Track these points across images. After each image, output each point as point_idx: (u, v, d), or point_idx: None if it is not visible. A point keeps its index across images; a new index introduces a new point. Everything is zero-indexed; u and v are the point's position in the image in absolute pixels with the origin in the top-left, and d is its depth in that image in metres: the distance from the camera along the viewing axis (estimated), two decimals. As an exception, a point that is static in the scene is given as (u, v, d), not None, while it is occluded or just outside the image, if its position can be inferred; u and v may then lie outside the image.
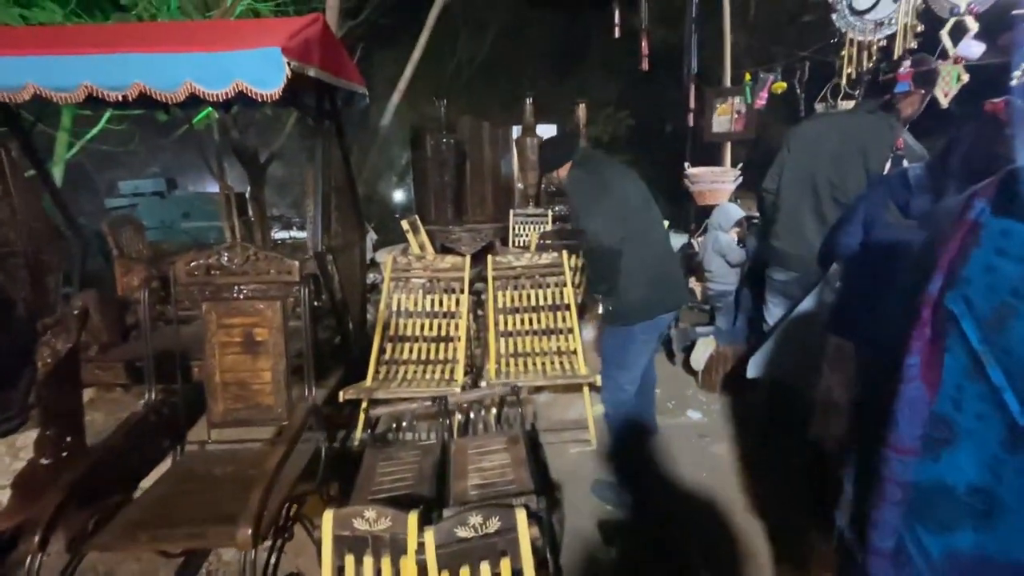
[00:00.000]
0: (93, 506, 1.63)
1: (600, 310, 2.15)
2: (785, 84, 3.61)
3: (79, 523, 1.54)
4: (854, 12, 2.64)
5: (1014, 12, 2.54)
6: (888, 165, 2.01)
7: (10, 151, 2.78)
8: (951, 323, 0.87)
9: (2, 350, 2.99)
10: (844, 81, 2.82)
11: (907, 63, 2.06)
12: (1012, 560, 0.87)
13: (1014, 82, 2.53)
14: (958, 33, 2.68)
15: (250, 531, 1.30)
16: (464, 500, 1.68)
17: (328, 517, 1.39)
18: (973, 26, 2.63)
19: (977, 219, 0.84)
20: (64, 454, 2.00)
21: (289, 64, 2.03)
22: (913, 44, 2.52)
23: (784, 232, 2.37)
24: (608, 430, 2.33)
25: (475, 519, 1.33)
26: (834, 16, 2.93)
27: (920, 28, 2.52)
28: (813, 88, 3.37)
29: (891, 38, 2.61)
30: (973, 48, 2.64)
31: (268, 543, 1.52)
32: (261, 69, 2.04)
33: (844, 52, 2.72)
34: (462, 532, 1.33)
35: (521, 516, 1.34)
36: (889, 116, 2.10)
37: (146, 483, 2.15)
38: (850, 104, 3.14)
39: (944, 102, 2.69)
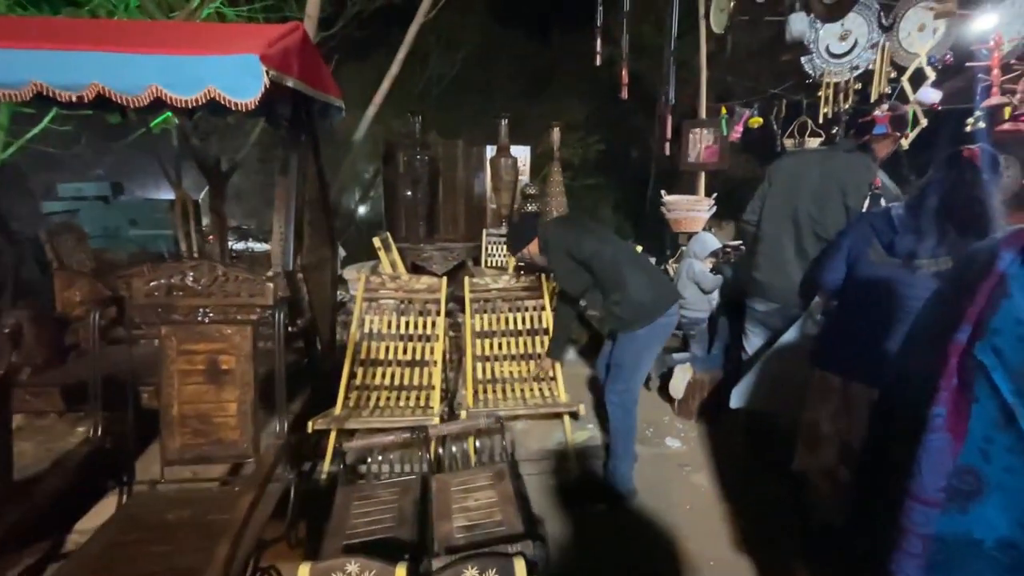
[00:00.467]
0: (15, 562, 1.42)
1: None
2: (761, 119, 3.75)
3: (1, 583, 1.34)
4: (831, 55, 2.78)
5: (967, 64, 2.73)
6: (866, 203, 2.08)
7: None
8: (980, 373, 0.86)
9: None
10: (821, 119, 2.94)
11: (884, 106, 2.16)
12: None
13: (968, 128, 2.71)
14: (917, 81, 2.86)
15: (215, 592, 1.15)
16: (450, 544, 1.57)
17: (304, 572, 1.25)
18: (931, 74, 2.80)
19: (1006, 270, 0.84)
20: (-14, 496, 1.75)
21: (268, 73, 1.91)
22: (888, 89, 2.67)
23: (765, 264, 2.41)
24: (617, 441, 2.39)
25: (470, 571, 1.23)
26: (804, 59, 3.07)
27: (894, 74, 2.67)
28: (786, 125, 3.52)
29: (867, 81, 2.76)
30: (931, 95, 2.82)
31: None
32: (237, 77, 1.91)
33: (821, 92, 2.85)
34: (456, 587, 1.22)
35: (520, 566, 1.25)
36: (866, 155, 2.19)
37: (84, 524, 1.93)
38: (816, 141, 3.29)
39: (904, 143, 2.85)
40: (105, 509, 1.77)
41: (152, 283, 1.66)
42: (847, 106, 2.80)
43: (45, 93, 1.88)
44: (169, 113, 4.23)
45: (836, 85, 2.83)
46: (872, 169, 2.15)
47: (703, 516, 2.28)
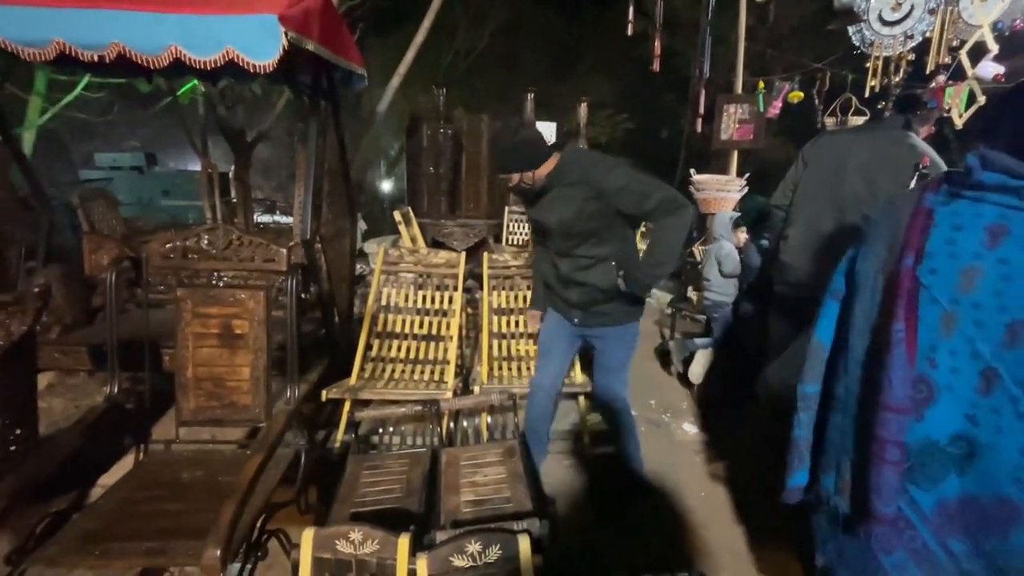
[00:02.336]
0: (42, 509, 1.46)
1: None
2: (802, 94, 3.53)
3: (24, 530, 1.38)
4: (883, 23, 2.56)
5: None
6: (912, 183, 1.93)
7: (-28, 112, 2.55)
8: (923, 291, 1.02)
9: (-47, 327, 2.76)
10: (867, 93, 2.74)
11: (941, 78, 1.99)
12: (991, 493, 0.97)
13: None
14: (976, 56, 2.63)
15: (218, 552, 1.15)
16: (456, 518, 1.55)
17: (308, 537, 1.25)
18: (993, 46, 2.57)
19: (931, 207, 1.04)
20: (12, 448, 1.81)
21: (286, 34, 1.86)
22: (947, 59, 2.46)
23: (796, 246, 2.28)
24: (631, 441, 2.20)
25: (473, 546, 1.21)
26: (852, 29, 2.86)
27: (956, 42, 2.45)
28: (828, 101, 3.31)
29: (921, 52, 2.54)
30: (991, 69, 2.60)
31: (238, 564, 1.37)
32: (255, 37, 1.86)
33: (869, 65, 2.64)
34: (459, 561, 1.20)
35: (524, 544, 1.22)
36: (910, 132, 2.04)
37: (105, 479, 1.99)
38: (860, 120, 3.09)
39: (959, 123, 2.64)
40: (125, 465, 1.82)
41: (168, 244, 1.66)
42: (897, 79, 2.60)
43: (68, 52, 1.87)
44: (196, 81, 4.24)
45: (887, 57, 2.62)
46: (918, 147, 1.99)
47: (717, 504, 2.23)
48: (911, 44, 2.53)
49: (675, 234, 1.81)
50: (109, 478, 1.95)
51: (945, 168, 2.01)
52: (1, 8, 1.85)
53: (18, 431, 1.83)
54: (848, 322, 1.21)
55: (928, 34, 2.50)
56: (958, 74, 2.69)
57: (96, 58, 1.89)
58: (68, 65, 2.49)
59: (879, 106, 2.79)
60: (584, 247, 1.92)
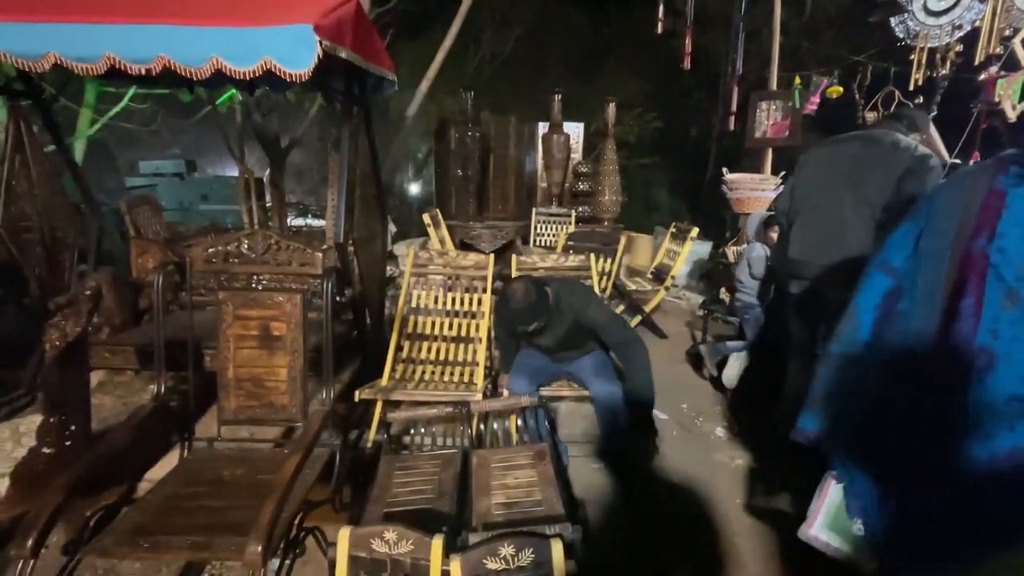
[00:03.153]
0: (95, 503, 1.53)
1: None
2: (842, 89, 3.40)
3: (78, 522, 1.45)
4: (929, 12, 2.44)
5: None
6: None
7: (31, 124, 2.70)
8: (991, 269, 1.12)
9: (14, 327, 2.93)
10: (912, 86, 2.61)
11: (993, 69, 1.89)
12: None
13: None
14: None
15: (259, 548, 1.18)
16: (488, 521, 1.56)
17: (344, 535, 1.28)
18: (1052, 35, 2.43)
19: (1004, 188, 1.11)
20: (67, 443, 1.91)
21: (321, 43, 1.91)
22: (999, 49, 2.32)
23: (800, 247, 2.30)
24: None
25: (506, 549, 1.21)
26: (895, 20, 2.74)
27: (1009, 32, 2.31)
28: (870, 95, 3.18)
29: (970, 42, 2.41)
30: (1049, 59, 2.45)
31: (277, 560, 1.41)
32: (291, 47, 1.92)
33: (913, 57, 2.52)
34: (492, 564, 1.20)
35: (557, 549, 1.22)
36: (896, 133, 2.07)
37: (152, 474, 2.08)
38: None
39: (1012, 115, 2.50)
40: (171, 461, 1.89)
41: (210, 249, 1.72)
42: (944, 71, 2.47)
43: (117, 66, 1.96)
44: (234, 90, 4.39)
45: (932, 49, 2.49)
46: (901, 142, 2.02)
47: (753, 511, 2.16)
48: (959, 34, 2.40)
49: (642, 374, 2.38)
50: (156, 473, 2.03)
51: (946, 156, 1.97)
52: (57, 26, 1.96)
53: (73, 427, 1.93)
54: (907, 296, 1.30)
55: (978, 23, 2.37)
56: (1011, 65, 2.54)
57: (143, 71, 1.97)
58: (116, 78, 2.61)
59: (918, 100, 2.66)
60: (572, 352, 2.52)
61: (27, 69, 2.03)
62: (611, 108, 5.27)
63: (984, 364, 1.12)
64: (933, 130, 2.34)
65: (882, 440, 1.35)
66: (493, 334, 2.77)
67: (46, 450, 1.81)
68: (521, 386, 2.32)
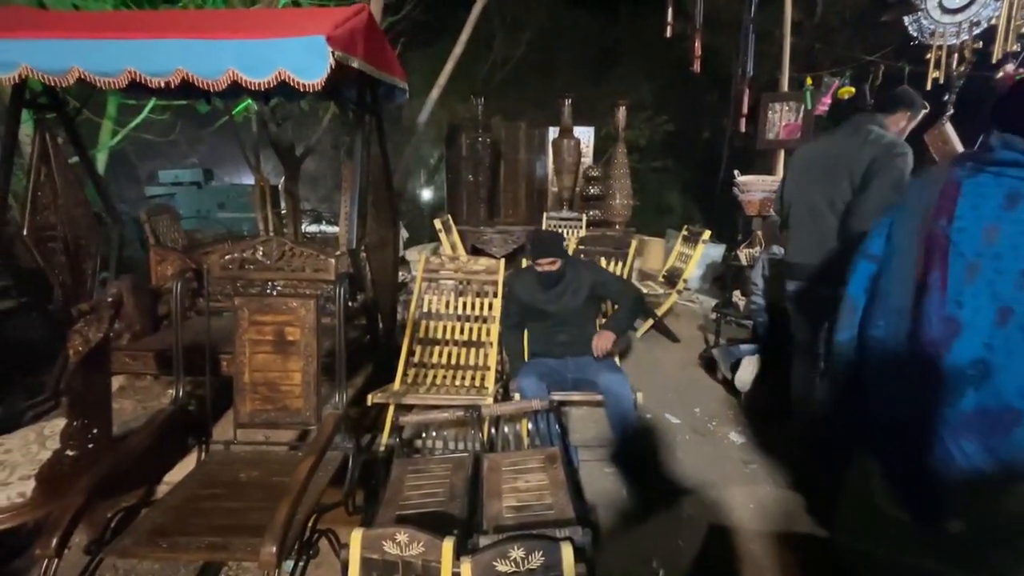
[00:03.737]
0: (115, 504, 1.57)
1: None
2: (853, 89, 3.36)
3: (100, 523, 1.49)
4: (944, 11, 2.40)
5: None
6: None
7: (56, 137, 2.79)
8: (952, 247, 1.29)
9: (38, 333, 3.02)
10: (929, 86, 2.58)
11: (1010, 67, 1.86)
12: (1000, 404, 1.26)
13: None
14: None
15: (274, 549, 1.21)
16: (499, 524, 1.56)
17: (357, 537, 1.29)
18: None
19: (958, 180, 1.31)
20: (90, 446, 1.95)
21: (333, 54, 1.95)
22: (1016, 47, 2.28)
23: (795, 246, 2.36)
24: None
25: (516, 552, 1.21)
26: (909, 19, 2.70)
27: (1026, 28, 2.27)
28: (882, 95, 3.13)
29: (988, 40, 2.37)
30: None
31: (291, 561, 1.43)
32: (304, 58, 1.96)
33: (929, 56, 2.48)
34: (502, 566, 1.21)
35: (567, 552, 1.22)
36: (868, 125, 2.09)
37: (171, 476, 2.12)
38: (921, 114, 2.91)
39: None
40: (188, 463, 1.93)
41: (227, 257, 1.76)
42: (962, 70, 2.42)
43: (138, 80, 2.03)
44: (249, 100, 4.48)
45: (949, 47, 2.45)
46: (872, 134, 2.04)
47: (767, 517, 2.14)
48: (976, 31, 2.36)
49: (632, 316, 2.63)
50: (174, 475, 2.08)
51: (907, 148, 2.04)
52: (80, 42, 2.03)
53: (95, 430, 1.97)
54: (885, 276, 1.48)
55: (995, 20, 2.33)
56: (1029, 61, 2.50)
57: (163, 84, 2.03)
58: (137, 91, 2.69)
59: (945, 98, 2.61)
60: (577, 331, 2.61)
61: (52, 84, 2.11)
62: (621, 112, 5.27)
63: (952, 332, 1.29)
64: (949, 128, 2.31)
65: (884, 409, 1.50)
66: (501, 328, 2.81)
67: (69, 452, 1.85)
68: (531, 386, 2.33)
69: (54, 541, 1.22)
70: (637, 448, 2.41)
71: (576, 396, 2.51)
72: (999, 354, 1.24)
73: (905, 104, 2.16)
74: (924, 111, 2.20)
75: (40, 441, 1.96)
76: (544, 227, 5.54)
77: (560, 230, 5.48)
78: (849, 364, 1.57)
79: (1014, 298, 1.22)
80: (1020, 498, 1.28)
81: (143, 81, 2.03)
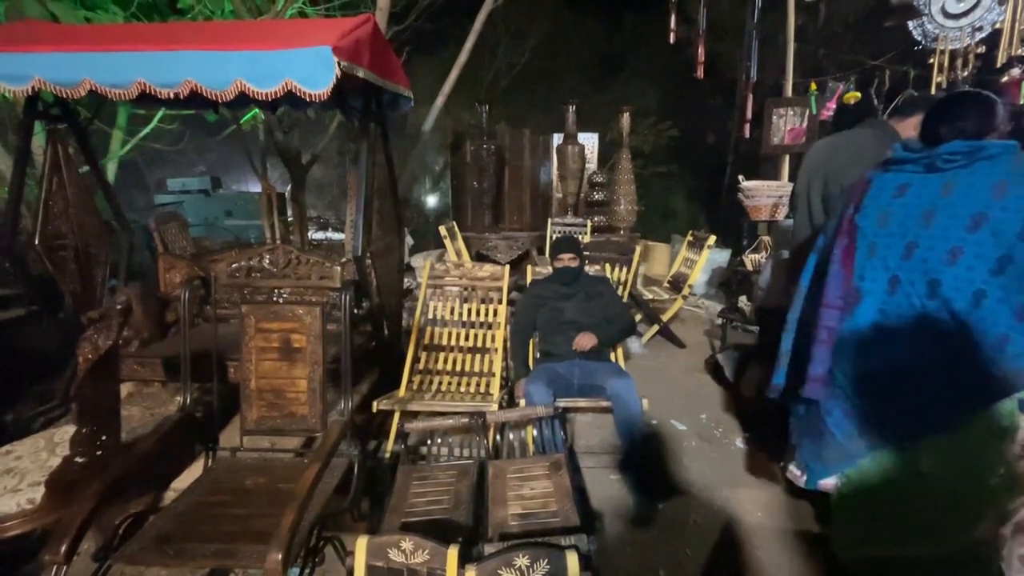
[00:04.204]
0: (123, 510, 1.58)
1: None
2: (859, 94, 3.36)
3: (108, 530, 1.50)
4: (947, 15, 2.40)
5: None
6: None
7: (67, 147, 2.83)
8: (859, 230, 1.56)
9: (48, 341, 3.05)
10: (933, 90, 2.57)
11: (1016, 71, 1.86)
12: (893, 361, 1.49)
13: None
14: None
15: (280, 556, 1.21)
16: (504, 531, 1.56)
17: (362, 545, 1.30)
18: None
19: (870, 177, 1.60)
20: (99, 452, 1.97)
21: (339, 64, 1.97)
22: (1021, 51, 2.27)
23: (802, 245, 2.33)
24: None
25: (521, 560, 1.21)
26: (913, 23, 2.70)
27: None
28: (888, 99, 3.14)
29: (992, 44, 2.36)
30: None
31: (297, 568, 1.43)
32: (311, 68, 1.98)
33: (933, 60, 2.48)
34: (507, 574, 1.21)
35: (572, 560, 1.22)
36: (888, 132, 2.13)
37: (178, 483, 2.13)
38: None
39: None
40: (195, 470, 1.95)
41: (234, 265, 1.78)
42: (966, 74, 2.42)
43: (148, 91, 2.06)
44: (257, 109, 4.53)
45: (953, 51, 2.45)
46: (875, 134, 2.09)
47: (774, 524, 2.12)
48: (980, 36, 2.36)
49: (619, 335, 2.74)
50: (181, 482, 2.10)
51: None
52: (91, 55, 2.07)
53: (104, 437, 1.99)
54: (822, 257, 1.71)
55: (999, 25, 2.32)
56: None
57: (172, 95, 2.07)
58: (147, 102, 2.74)
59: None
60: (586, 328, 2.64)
61: (64, 96, 2.14)
62: (625, 118, 5.28)
63: (854, 300, 1.54)
64: None
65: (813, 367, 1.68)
66: (510, 331, 2.83)
67: (79, 459, 1.87)
68: (539, 393, 2.33)
69: (63, 547, 1.23)
70: (643, 455, 2.39)
71: (582, 402, 2.51)
72: (890, 318, 1.48)
73: (921, 108, 2.16)
74: None
75: (50, 448, 1.98)
76: (549, 233, 5.56)
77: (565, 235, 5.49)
78: (794, 339, 1.80)
79: (900, 268, 1.46)
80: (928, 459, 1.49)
81: (153, 92, 2.06)
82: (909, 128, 2.14)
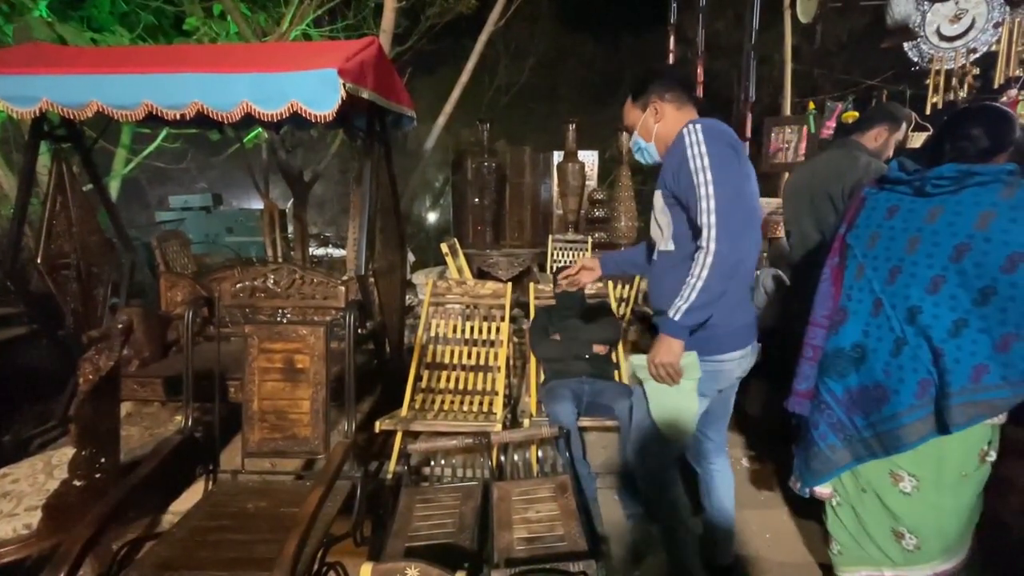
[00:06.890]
0: (122, 535, 1.55)
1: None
2: (857, 113, 3.41)
3: (107, 555, 1.47)
4: (942, 37, 2.45)
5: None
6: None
7: (71, 166, 2.85)
8: (848, 251, 1.57)
9: (48, 360, 3.03)
10: (929, 110, 2.60)
11: (1013, 92, 1.88)
12: (875, 381, 1.50)
13: None
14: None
15: (283, 584, 1.18)
16: (510, 556, 1.53)
17: (366, 572, 1.26)
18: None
19: (865, 195, 1.59)
20: (98, 476, 1.94)
21: (344, 86, 1.99)
22: (1019, 71, 2.31)
23: (797, 260, 2.43)
24: None
25: (529, 588, 1.18)
26: (909, 45, 2.74)
27: (1028, 53, 2.30)
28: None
29: (988, 65, 2.40)
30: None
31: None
32: (316, 90, 2.01)
33: (929, 81, 2.52)
34: (515, 602, 1.17)
35: (581, 588, 1.19)
36: (852, 150, 2.20)
37: (177, 505, 2.10)
38: (923, 136, 2.93)
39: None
40: (195, 492, 1.91)
41: (238, 284, 1.78)
42: (963, 95, 2.45)
43: (155, 112, 2.08)
44: (260, 128, 4.58)
45: (948, 72, 2.49)
46: (858, 164, 2.12)
47: (784, 546, 2.08)
48: (974, 57, 2.40)
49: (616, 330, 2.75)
50: (181, 504, 2.06)
51: (884, 168, 2.10)
52: (99, 77, 2.09)
53: (103, 460, 1.96)
54: (823, 274, 1.72)
55: (994, 47, 2.37)
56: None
57: (178, 116, 2.08)
58: (152, 121, 2.76)
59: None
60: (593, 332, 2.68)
61: (72, 117, 2.16)
62: (625, 135, 5.33)
63: (840, 319, 1.56)
64: None
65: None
66: (529, 338, 2.82)
67: (77, 483, 1.84)
68: (564, 412, 2.28)
69: (62, 575, 1.20)
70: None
71: (587, 422, 2.48)
72: (872, 339, 1.49)
73: (878, 120, 2.26)
74: (909, 122, 2.27)
75: (48, 471, 1.95)
76: (550, 250, 5.57)
77: (566, 252, 5.51)
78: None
79: (884, 291, 1.47)
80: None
81: (159, 114, 2.08)
82: (870, 140, 2.26)
